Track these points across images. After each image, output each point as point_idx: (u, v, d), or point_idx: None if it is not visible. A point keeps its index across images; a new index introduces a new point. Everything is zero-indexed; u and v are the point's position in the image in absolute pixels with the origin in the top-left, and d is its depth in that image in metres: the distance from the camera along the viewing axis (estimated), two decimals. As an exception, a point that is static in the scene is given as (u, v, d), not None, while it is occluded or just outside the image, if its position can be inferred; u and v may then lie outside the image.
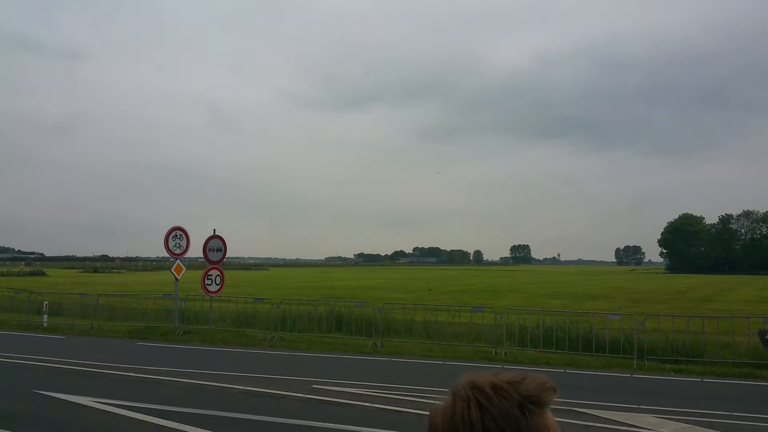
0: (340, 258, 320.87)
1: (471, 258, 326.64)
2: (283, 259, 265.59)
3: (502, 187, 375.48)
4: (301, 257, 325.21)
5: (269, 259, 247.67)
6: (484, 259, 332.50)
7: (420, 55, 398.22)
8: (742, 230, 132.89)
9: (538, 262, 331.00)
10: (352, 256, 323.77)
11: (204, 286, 17.94)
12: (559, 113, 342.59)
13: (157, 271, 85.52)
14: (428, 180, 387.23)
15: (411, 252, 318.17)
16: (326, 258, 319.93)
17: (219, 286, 18.12)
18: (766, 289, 45.81)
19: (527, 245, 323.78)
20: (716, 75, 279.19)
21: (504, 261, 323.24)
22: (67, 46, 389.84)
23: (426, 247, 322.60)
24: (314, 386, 10.19)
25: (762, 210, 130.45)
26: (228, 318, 18.20)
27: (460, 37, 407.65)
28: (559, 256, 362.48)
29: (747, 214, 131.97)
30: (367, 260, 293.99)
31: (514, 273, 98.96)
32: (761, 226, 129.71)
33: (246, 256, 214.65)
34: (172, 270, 18.30)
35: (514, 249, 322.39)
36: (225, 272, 18.69)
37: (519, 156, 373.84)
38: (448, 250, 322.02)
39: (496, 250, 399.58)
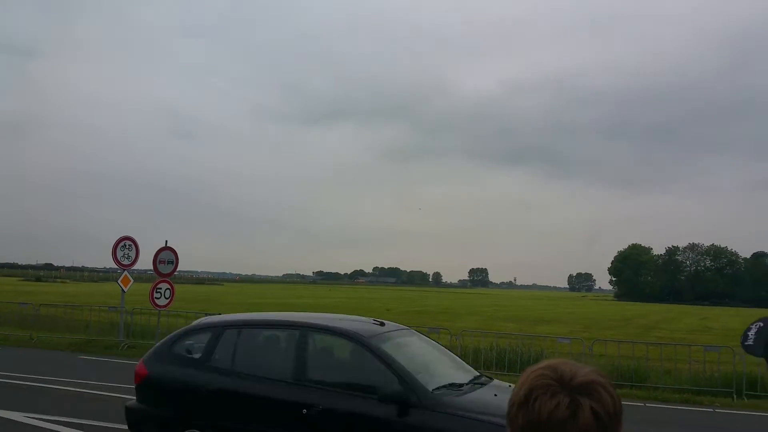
0: (298, 275, 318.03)
1: (430, 279, 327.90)
2: (239, 274, 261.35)
3: (463, 211, 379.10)
4: (258, 273, 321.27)
5: (224, 274, 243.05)
6: (443, 281, 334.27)
7: (389, 76, 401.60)
8: (687, 262, 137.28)
9: (495, 285, 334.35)
10: (311, 274, 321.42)
11: (152, 300, 17.38)
12: (521, 141, 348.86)
13: (103, 282, 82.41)
14: (391, 200, 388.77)
15: (370, 272, 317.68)
16: (284, 275, 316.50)
17: (168, 300, 17.57)
18: (707, 318, 47.07)
19: (485, 269, 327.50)
20: (671, 112, 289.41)
21: (462, 284, 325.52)
22: (17, 41, 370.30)
23: (386, 267, 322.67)
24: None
25: (706, 243, 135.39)
26: (176, 333, 17.64)
27: (430, 60, 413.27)
28: (515, 280, 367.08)
29: (692, 247, 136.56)
30: (325, 278, 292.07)
31: (471, 296, 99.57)
32: (705, 258, 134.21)
33: (199, 270, 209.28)
34: (119, 281, 17.73)
35: (473, 272, 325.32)
36: (176, 286, 18.18)
37: (481, 180, 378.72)
38: (408, 270, 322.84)
39: (455, 272, 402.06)
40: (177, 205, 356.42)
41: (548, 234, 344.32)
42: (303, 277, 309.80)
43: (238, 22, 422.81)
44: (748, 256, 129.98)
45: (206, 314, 18.51)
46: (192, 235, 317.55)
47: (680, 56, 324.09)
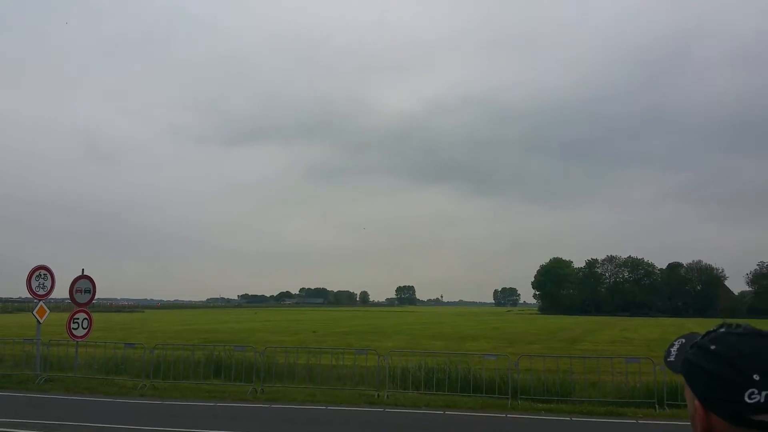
0: (222, 299, 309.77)
1: (357, 299, 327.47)
2: (161, 300, 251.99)
3: (388, 229, 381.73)
4: (181, 298, 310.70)
5: (145, 300, 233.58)
6: (371, 299, 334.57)
7: (312, 94, 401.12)
8: (606, 274, 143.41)
9: (423, 303, 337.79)
10: (236, 297, 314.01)
11: (69, 331, 16.59)
12: (444, 158, 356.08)
13: (18, 312, 78.06)
14: (316, 220, 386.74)
15: (297, 293, 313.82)
16: (208, 299, 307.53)
17: (86, 330, 16.81)
18: (627, 330, 49.32)
19: (412, 286, 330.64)
20: (586, 129, 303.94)
21: (390, 302, 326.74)
22: None
23: (313, 287, 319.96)
24: None
25: (624, 255, 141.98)
26: (96, 365, 16.87)
27: (352, 79, 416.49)
28: (442, 297, 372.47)
29: (610, 259, 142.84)
30: (251, 301, 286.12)
31: (399, 314, 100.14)
32: (623, 270, 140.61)
33: (119, 298, 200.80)
34: (35, 312, 16.81)
35: (400, 290, 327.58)
36: (94, 315, 17.41)
37: (405, 198, 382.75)
38: (335, 290, 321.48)
39: (382, 290, 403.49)
40: (94, 231, 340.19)
41: (473, 250, 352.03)
42: (228, 300, 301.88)
43: (156, 42, 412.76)
44: (664, 267, 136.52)
45: (125, 344, 17.86)
46: (110, 261, 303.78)
47: (595, 75, 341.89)
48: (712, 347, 1.05)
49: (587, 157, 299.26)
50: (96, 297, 17.71)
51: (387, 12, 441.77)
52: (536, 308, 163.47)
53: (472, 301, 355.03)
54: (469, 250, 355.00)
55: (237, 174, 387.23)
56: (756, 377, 0.93)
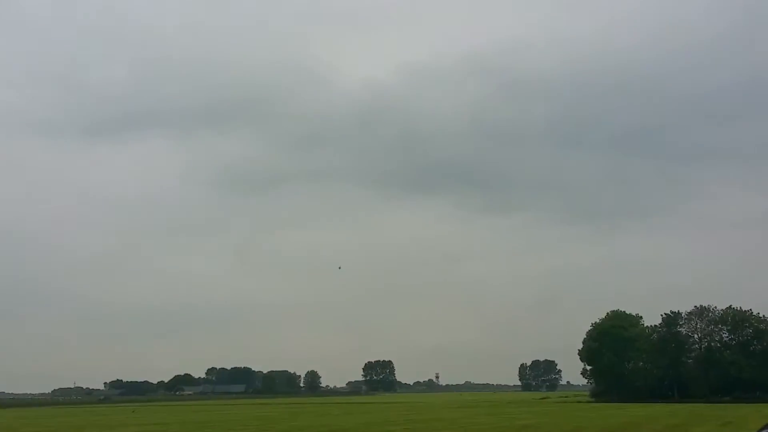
0: (80, 389, 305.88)
1: (302, 384, 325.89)
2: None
3: (352, 269, 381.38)
4: (11, 391, 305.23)
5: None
6: (323, 385, 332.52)
7: (227, 58, 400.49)
8: (696, 335, 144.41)
9: (407, 387, 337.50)
10: (103, 386, 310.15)
11: None
12: (436, 155, 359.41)
13: None
14: (234, 255, 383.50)
15: (203, 376, 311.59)
16: (54, 390, 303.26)
17: None
18: (731, 424, 49.76)
19: (390, 362, 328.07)
20: (657, 112, 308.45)
21: (354, 387, 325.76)
22: None
23: (229, 367, 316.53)
24: None
25: (721, 306, 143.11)
26: None
27: (292, 35, 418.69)
28: (437, 378, 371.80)
29: (701, 312, 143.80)
30: (126, 392, 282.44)
31: (367, 407, 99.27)
32: (721, 329, 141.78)
33: None
34: None
35: (369, 368, 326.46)
36: None
37: (376, 219, 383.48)
38: (265, 371, 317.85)
39: (341, 370, 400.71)
40: None
41: (486, 302, 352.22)
42: (89, 391, 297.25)
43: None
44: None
45: None
46: None
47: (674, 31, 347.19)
48: None
49: (656, 152, 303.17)
50: None
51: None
52: (587, 392, 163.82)
53: (485, 383, 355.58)
54: (479, 303, 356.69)
55: (100, 183, 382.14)
56: None
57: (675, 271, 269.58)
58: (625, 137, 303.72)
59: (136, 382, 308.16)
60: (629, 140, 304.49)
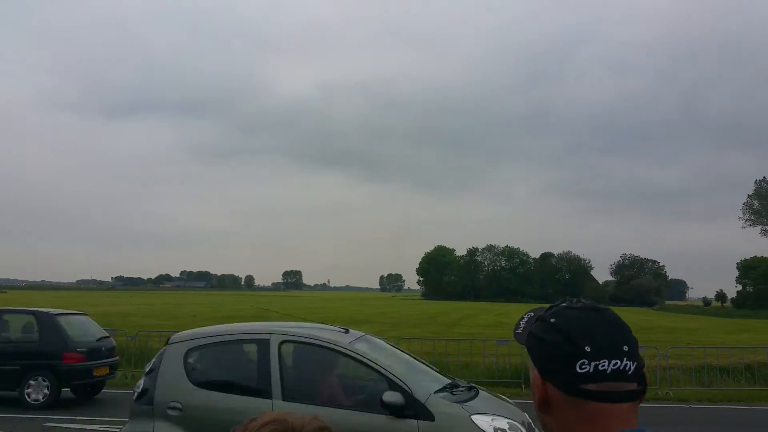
0: (95, 281, 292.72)
1: (242, 283, 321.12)
2: (25, 280, 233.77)
3: (277, 213, 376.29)
4: (48, 279, 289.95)
5: (7, 280, 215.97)
6: (256, 284, 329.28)
7: (203, 70, 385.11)
8: (486, 262, 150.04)
9: (309, 288, 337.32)
10: (110, 279, 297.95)
11: None
12: (338, 144, 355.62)
13: None
14: (201, 201, 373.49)
15: (178, 276, 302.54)
16: (78, 281, 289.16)
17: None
18: (502, 315, 51.84)
19: (299, 271, 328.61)
20: (471, 122, 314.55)
21: (276, 287, 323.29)
22: None
23: (195, 270, 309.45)
24: (46, 424, 9.36)
25: (502, 245, 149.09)
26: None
27: (245, 58, 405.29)
28: (329, 282, 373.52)
29: (489, 248, 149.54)
30: (126, 284, 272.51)
31: (284, 298, 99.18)
32: (501, 258, 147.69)
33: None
34: None
35: (287, 275, 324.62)
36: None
37: (296, 182, 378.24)
38: (219, 274, 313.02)
39: (268, 275, 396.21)
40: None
41: (362, 236, 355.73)
42: (100, 282, 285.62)
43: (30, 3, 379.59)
44: (538, 257, 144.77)
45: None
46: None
47: (482, 71, 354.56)
48: (552, 320, 1.11)
49: (471, 151, 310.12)
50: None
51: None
52: (420, 294, 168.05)
53: (358, 286, 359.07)
54: (357, 236, 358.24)
55: (116, 148, 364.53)
56: (587, 349, 0.99)
57: (477, 223, 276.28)
58: (456, 140, 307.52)
59: (132, 277, 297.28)
60: (458, 142, 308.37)
